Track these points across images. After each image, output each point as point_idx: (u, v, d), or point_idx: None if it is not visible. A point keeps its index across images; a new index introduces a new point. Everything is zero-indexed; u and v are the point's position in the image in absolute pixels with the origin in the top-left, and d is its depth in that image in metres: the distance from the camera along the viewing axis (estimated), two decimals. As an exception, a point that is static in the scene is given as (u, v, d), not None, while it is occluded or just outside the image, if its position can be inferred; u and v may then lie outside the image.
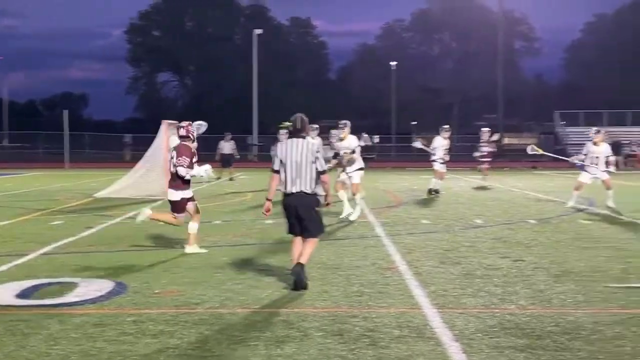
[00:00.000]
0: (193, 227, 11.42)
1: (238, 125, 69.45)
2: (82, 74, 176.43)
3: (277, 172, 8.84)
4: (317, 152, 8.74)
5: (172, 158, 11.30)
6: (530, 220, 15.82)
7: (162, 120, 23.33)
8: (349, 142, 16.24)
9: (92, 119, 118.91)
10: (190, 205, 11.36)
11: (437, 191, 22.85)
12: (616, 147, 49.10)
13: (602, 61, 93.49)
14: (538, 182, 31.24)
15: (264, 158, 48.20)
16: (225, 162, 32.64)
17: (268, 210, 9.03)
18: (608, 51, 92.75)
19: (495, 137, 29.14)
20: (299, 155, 8.66)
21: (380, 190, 25.34)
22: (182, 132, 11.46)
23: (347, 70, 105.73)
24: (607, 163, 18.69)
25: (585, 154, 18.94)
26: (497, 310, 7.50)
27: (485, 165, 28.61)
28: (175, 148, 11.42)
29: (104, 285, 8.78)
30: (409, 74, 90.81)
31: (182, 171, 11.02)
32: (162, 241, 12.63)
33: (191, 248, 11.36)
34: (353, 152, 16.06)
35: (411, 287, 8.70)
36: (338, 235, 13.37)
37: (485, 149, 28.43)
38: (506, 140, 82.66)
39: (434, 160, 23.31)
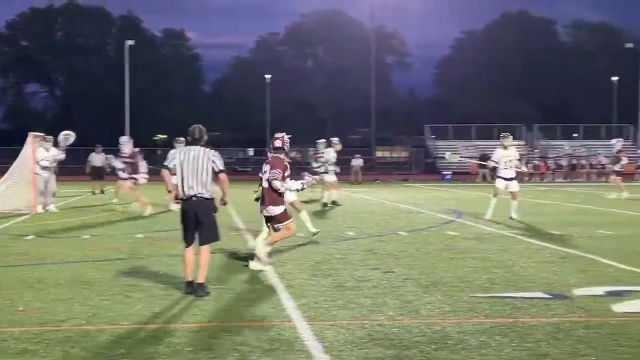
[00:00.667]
0: (262, 242, 11.26)
1: (110, 137, 68.10)
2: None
3: (169, 169, 9.31)
4: (214, 156, 9.18)
5: (265, 172, 11.06)
6: (401, 232, 16.09)
7: (29, 133, 22.65)
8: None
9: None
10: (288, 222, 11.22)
11: (334, 202, 23.19)
12: (485, 161, 50.75)
13: (471, 77, 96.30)
14: (409, 194, 31.87)
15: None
16: (96, 174, 31.97)
17: (177, 197, 9.26)
18: (477, 67, 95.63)
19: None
20: (196, 162, 9.08)
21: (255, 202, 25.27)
22: (278, 143, 11.29)
23: (222, 83, 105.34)
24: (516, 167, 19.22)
25: (496, 160, 19.36)
26: (366, 322, 7.58)
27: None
28: (268, 161, 11.14)
29: (-36, 304, 8.43)
30: (283, 88, 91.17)
31: (277, 185, 10.83)
32: (27, 257, 12.23)
33: (257, 265, 10.95)
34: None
35: (283, 299, 8.70)
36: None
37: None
38: (379, 154, 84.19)
39: (325, 172, 23.68)
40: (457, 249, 13.21)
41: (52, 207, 21.81)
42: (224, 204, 9.42)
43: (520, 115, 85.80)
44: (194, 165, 9.10)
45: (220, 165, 9.23)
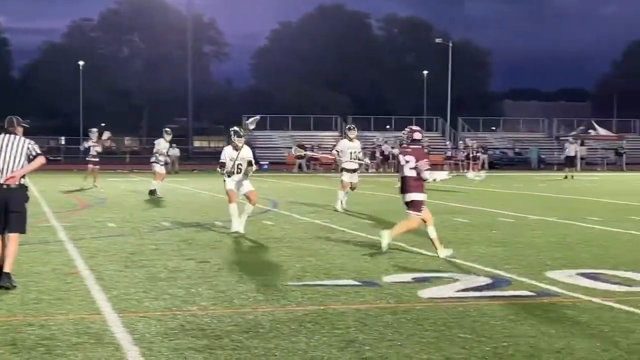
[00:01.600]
0: (432, 231, 11.58)
1: None
2: None
3: None
4: (29, 143, 9.08)
5: (407, 162, 11.43)
6: (217, 222, 16.05)
7: None
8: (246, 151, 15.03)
9: None
10: (425, 209, 11.58)
11: (153, 192, 22.85)
12: (305, 150, 51.35)
13: (287, 67, 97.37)
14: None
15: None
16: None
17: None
18: (293, 58, 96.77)
19: (105, 136, 28.53)
20: (10, 150, 8.94)
21: (63, 193, 24.59)
22: (418, 135, 11.88)
23: (32, 69, 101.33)
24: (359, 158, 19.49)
25: (340, 150, 19.47)
26: (179, 313, 7.52)
27: (92, 167, 27.72)
28: (410, 152, 11.54)
29: None
30: (98, 75, 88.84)
31: (427, 175, 11.38)
32: None
33: (444, 251, 11.32)
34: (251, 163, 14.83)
35: (93, 292, 8.49)
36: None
37: (95, 149, 27.87)
38: (197, 144, 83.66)
39: (154, 162, 23.48)
40: (272, 238, 13.32)
41: None
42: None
43: (336, 106, 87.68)
44: (8, 153, 8.93)
45: (37, 149, 9.12)
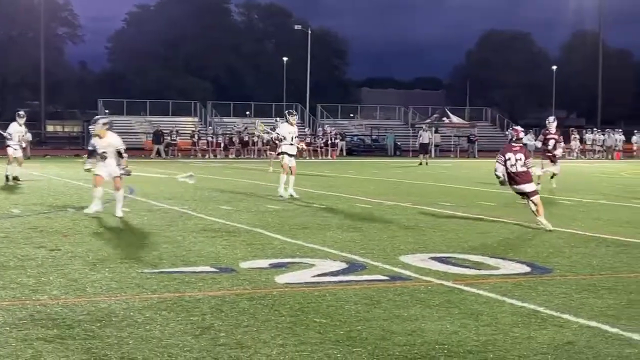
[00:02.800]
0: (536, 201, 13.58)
1: None
2: None
3: None
4: None
5: (518, 160, 13.46)
6: (70, 208, 15.63)
7: None
8: (110, 140, 14.51)
9: None
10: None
11: (16, 178, 22.00)
12: (157, 137, 50.72)
13: (145, 52, 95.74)
14: (80, 170, 30.94)
15: None
16: None
17: None
18: (151, 42, 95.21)
19: None
20: None
21: None
22: (522, 135, 14.16)
23: None
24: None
25: (279, 133, 19.46)
26: (28, 302, 7.28)
27: None
28: (519, 150, 13.62)
29: None
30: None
31: (534, 170, 14.67)
32: None
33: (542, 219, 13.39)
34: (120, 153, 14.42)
35: None
36: None
37: None
38: (50, 128, 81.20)
39: (8, 146, 22.59)
40: (127, 225, 13.08)
41: None
42: None
43: (196, 92, 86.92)
44: None
45: None
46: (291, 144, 19.17)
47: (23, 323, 6.52)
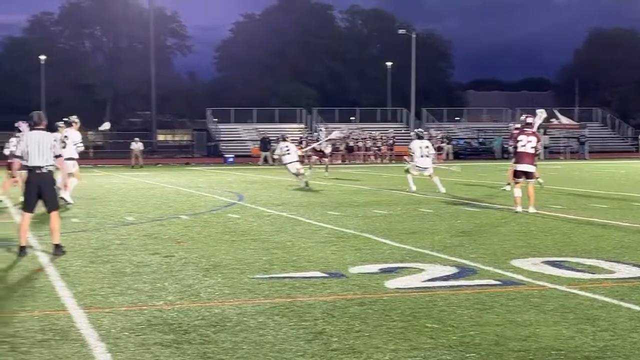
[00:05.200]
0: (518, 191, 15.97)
1: None
2: None
3: (20, 157, 10.89)
4: (55, 140, 11.05)
5: (529, 141, 15.66)
6: (182, 215, 15.99)
7: None
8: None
9: None
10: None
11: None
12: (264, 144, 51.28)
13: (251, 60, 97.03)
14: (191, 177, 31.70)
15: None
16: None
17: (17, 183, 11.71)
18: (257, 50, 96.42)
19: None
20: (42, 143, 10.78)
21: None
22: (530, 119, 16.30)
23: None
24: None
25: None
26: (145, 308, 7.47)
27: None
28: (531, 134, 15.88)
29: None
30: (59, 69, 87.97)
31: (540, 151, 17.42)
32: None
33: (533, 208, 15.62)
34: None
35: (57, 288, 8.40)
36: (-21, 238, 12.60)
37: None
38: (160, 137, 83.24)
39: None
40: (238, 232, 13.28)
41: None
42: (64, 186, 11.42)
43: (300, 98, 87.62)
44: (40, 147, 10.73)
45: (58, 149, 11.11)
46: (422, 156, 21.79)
47: (141, 328, 6.70)
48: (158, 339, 6.33)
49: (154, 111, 73.97)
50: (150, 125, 75.73)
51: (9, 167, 20.40)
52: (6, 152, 22.37)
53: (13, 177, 18.58)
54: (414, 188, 21.80)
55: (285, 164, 25.34)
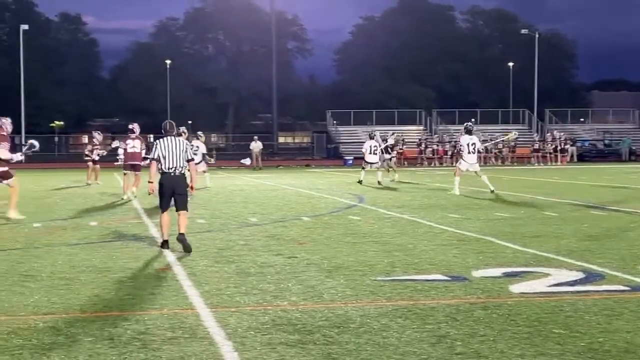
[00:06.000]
0: None
1: (4, 124, 66.16)
2: None
3: (156, 160, 11.79)
4: (187, 145, 11.99)
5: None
6: (304, 217, 16.15)
7: None
8: None
9: None
10: None
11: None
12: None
13: (370, 62, 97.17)
14: (311, 179, 31.99)
15: (33, 159, 46.23)
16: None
17: (153, 190, 11.94)
18: (376, 53, 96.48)
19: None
20: (175, 148, 11.67)
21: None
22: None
23: (121, 69, 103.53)
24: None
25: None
26: (269, 308, 7.59)
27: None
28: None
29: None
30: (184, 73, 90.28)
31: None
32: None
33: None
34: None
35: (185, 287, 8.62)
36: (110, 237, 13.05)
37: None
38: (281, 139, 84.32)
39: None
40: (359, 234, 13.32)
41: None
42: (191, 188, 12.02)
43: (420, 100, 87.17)
44: (175, 152, 11.62)
45: (191, 154, 11.96)
46: (469, 153, 22.35)
47: (266, 328, 6.81)
48: (283, 339, 6.42)
49: (275, 114, 75.01)
50: (271, 128, 76.80)
51: (135, 168, 21.28)
52: (120, 150, 23.47)
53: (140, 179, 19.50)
54: (457, 192, 21.97)
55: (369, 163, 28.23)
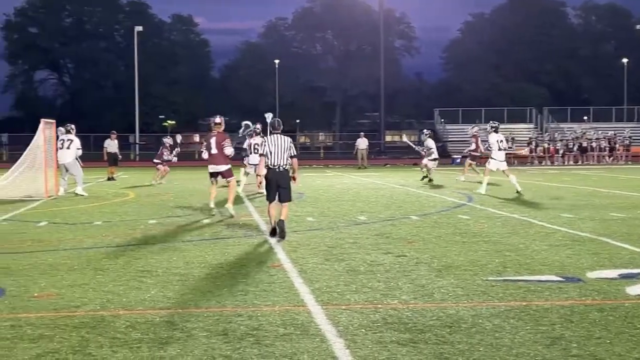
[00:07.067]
0: None
1: (119, 123, 68.26)
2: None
3: (265, 156, 12.64)
4: (291, 143, 12.75)
5: None
6: (412, 216, 16.09)
7: (41, 119, 22.76)
8: None
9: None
10: None
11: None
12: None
13: (479, 60, 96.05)
14: (418, 178, 31.76)
15: (147, 157, 47.43)
16: (112, 160, 32.31)
17: (261, 183, 13.14)
18: (485, 50, 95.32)
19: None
20: (281, 145, 12.59)
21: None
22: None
23: (230, 68, 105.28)
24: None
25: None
26: (380, 306, 7.59)
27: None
28: None
29: (-21, 290, 8.47)
30: (292, 72, 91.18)
31: None
32: (40, 243, 12.28)
33: None
34: None
35: (296, 284, 8.71)
36: (223, 234, 13.29)
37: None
38: (388, 138, 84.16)
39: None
40: (469, 233, 13.19)
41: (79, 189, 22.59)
42: (294, 179, 12.83)
43: (530, 97, 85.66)
44: (280, 149, 12.55)
45: (294, 151, 12.77)
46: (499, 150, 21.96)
47: (377, 326, 6.82)
48: (394, 337, 6.42)
49: (382, 112, 74.85)
50: (378, 127, 76.72)
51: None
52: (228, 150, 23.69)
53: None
54: (483, 191, 21.79)
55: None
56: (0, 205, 19.04)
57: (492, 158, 22.22)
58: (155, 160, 29.34)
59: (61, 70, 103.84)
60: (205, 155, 16.49)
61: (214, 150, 16.07)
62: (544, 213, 16.41)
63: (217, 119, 16.27)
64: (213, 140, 16.09)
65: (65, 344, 6.31)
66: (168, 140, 30.47)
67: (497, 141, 22.15)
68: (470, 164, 30.36)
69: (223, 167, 16.24)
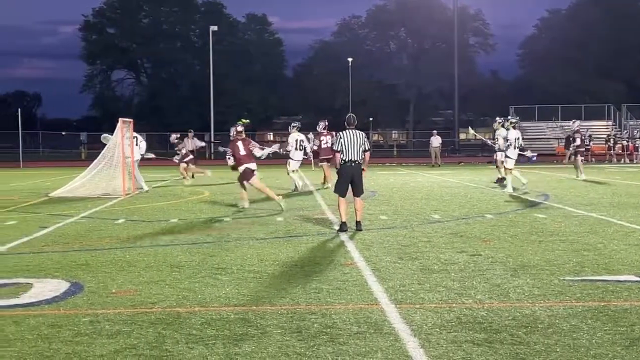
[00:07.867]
0: None
1: (194, 122, 69.10)
2: (32, 72, 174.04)
3: (339, 151, 13.09)
4: (365, 138, 13.35)
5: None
6: (487, 214, 15.93)
7: (119, 118, 23.18)
8: None
9: (46, 117, 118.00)
10: None
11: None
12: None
13: (555, 56, 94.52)
14: (494, 176, 31.40)
15: (221, 155, 47.88)
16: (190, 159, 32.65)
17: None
18: (562, 46, 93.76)
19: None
20: (355, 140, 13.10)
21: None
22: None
23: (303, 67, 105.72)
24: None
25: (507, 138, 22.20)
26: (454, 305, 7.53)
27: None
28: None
29: (60, 286, 8.66)
30: (365, 70, 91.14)
31: None
32: (118, 240, 12.51)
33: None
34: None
35: (369, 282, 8.70)
36: (296, 232, 13.35)
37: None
38: (462, 136, 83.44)
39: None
40: (545, 232, 13.00)
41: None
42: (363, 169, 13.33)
43: (607, 94, 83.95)
44: (355, 144, 13.05)
45: (368, 146, 13.38)
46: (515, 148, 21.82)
47: (451, 325, 6.76)
48: (469, 337, 6.36)
49: (456, 110, 74.30)
50: (451, 124, 76.17)
51: (329, 161, 22.17)
52: (308, 148, 23.81)
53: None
54: (524, 181, 22.68)
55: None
56: (79, 202, 19.46)
57: (507, 157, 21.87)
58: (183, 161, 28.65)
59: (138, 70, 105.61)
60: (230, 161, 18.03)
61: (242, 152, 17.33)
62: (623, 212, 16.08)
63: (239, 128, 18.01)
64: (240, 144, 17.36)
65: (142, 340, 6.42)
66: (174, 138, 30.35)
67: (515, 139, 21.82)
68: (581, 160, 29.65)
69: (253, 165, 17.44)
